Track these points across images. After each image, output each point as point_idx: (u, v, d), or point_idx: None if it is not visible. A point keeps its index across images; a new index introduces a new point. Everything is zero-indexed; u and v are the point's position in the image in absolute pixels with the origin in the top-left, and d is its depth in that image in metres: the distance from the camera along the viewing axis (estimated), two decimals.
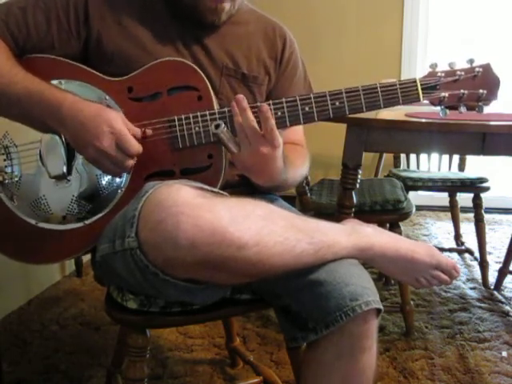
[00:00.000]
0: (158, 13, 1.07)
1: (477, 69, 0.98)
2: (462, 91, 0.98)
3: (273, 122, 0.89)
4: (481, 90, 0.98)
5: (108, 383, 1.40)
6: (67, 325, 1.86)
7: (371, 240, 0.89)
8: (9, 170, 1.00)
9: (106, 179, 0.99)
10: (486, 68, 0.98)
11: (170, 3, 1.07)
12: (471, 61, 0.98)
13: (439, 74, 0.98)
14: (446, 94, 0.98)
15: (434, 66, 0.99)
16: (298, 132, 1.20)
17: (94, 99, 0.98)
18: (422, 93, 0.98)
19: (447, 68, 0.99)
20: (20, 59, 0.99)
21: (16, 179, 1.00)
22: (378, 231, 0.93)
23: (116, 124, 0.92)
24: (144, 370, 0.99)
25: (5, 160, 1.00)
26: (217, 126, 0.92)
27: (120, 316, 0.95)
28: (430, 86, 0.98)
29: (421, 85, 0.98)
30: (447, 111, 1.00)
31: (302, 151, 1.18)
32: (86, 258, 2.16)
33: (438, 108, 1.01)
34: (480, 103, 0.99)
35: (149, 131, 0.97)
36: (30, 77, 0.95)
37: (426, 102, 1.01)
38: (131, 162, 0.94)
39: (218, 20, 1.06)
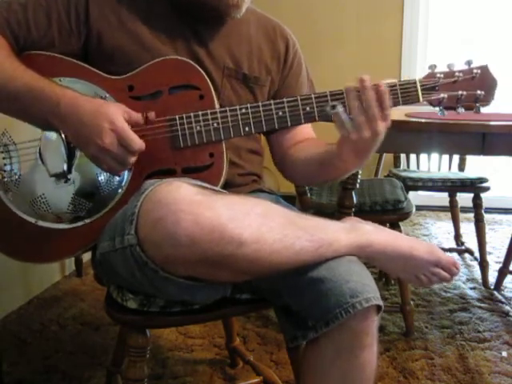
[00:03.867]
0: (160, 11, 1.07)
1: (475, 70, 0.98)
2: (460, 92, 0.99)
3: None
4: (479, 91, 0.98)
5: (108, 383, 1.40)
6: (67, 325, 1.86)
7: (371, 237, 0.89)
8: (8, 168, 1.00)
9: (106, 178, 0.99)
10: (484, 69, 0.99)
11: (176, 2, 1.06)
12: (469, 62, 0.99)
13: (438, 75, 0.98)
14: (445, 95, 0.99)
15: (432, 67, 1.00)
16: (309, 127, 1.20)
17: (94, 97, 0.98)
18: (422, 94, 0.98)
19: (446, 69, 0.99)
20: (20, 56, 0.99)
21: (15, 177, 1.00)
22: (378, 229, 0.93)
23: (117, 120, 0.91)
24: (144, 370, 0.99)
25: (4, 158, 1.00)
26: (333, 107, 0.93)
27: (120, 316, 0.95)
28: (430, 86, 0.99)
29: (420, 86, 0.98)
30: (445, 112, 1.01)
31: None
32: (86, 257, 2.17)
33: (437, 108, 1.01)
34: (478, 104, 1.00)
35: (151, 114, 0.97)
36: (30, 73, 0.95)
37: (425, 102, 1.01)
38: (133, 159, 0.94)
39: (240, 13, 1.06)
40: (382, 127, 0.93)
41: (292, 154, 1.16)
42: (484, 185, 2.28)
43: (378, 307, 0.84)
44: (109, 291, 0.99)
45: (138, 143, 0.92)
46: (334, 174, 1.06)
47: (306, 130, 1.18)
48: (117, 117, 0.91)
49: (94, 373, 1.55)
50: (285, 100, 0.99)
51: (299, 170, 1.15)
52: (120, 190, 0.99)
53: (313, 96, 0.99)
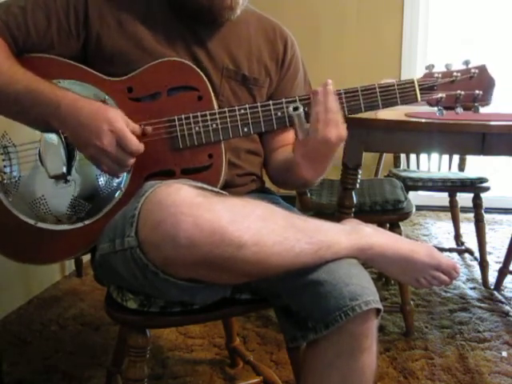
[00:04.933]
0: (159, 13, 1.07)
1: (472, 70, 0.99)
2: (458, 92, 0.99)
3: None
4: (477, 91, 0.99)
5: (108, 383, 1.40)
6: (67, 325, 1.86)
7: (371, 240, 0.89)
8: (8, 170, 1.00)
9: (105, 179, 0.99)
10: (482, 69, 0.99)
11: (174, 3, 1.06)
12: (467, 62, 1.00)
13: (436, 75, 0.99)
14: (444, 95, 0.99)
15: (430, 67, 1.00)
16: None
17: (94, 99, 0.98)
18: (420, 93, 0.98)
19: (444, 69, 1.00)
20: (19, 58, 0.99)
21: (15, 179, 1.00)
22: (378, 231, 0.93)
23: (116, 122, 0.91)
24: (144, 370, 0.99)
25: (4, 160, 1.00)
26: (295, 109, 0.95)
27: (120, 316, 0.95)
28: (428, 86, 0.99)
29: (418, 85, 0.98)
30: (444, 111, 1.01)
31: None
32: (86, 258, 2.16)
33: (435, 108, 1.02)
34: (476, 104, 1.00)
35: (148, 128, 0.97)
36: (30, 75, 0.95)
37: (423, 101, 1.01)
38: (131, 161, 0.94)
39: (234, 15, 1.06)
40: (335, 134, 0.93)
41: (273, 157, 1.17)
42: (484, 185, 2.28)
43: (378, 310, 0.84)
44: (109, 291, 0.99)
45: (135, 144, 0.93)
46: (293, 180, 1.08)
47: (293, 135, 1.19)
48: (116, 119, 0.92)
49: (94, 373, 1.55)
50: (283, 100, 0.99)
51: (273, 173, 1.18)
52: (119, 192, 0.99)
53: (312, 97, 0.99)
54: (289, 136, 1.15)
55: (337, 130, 0.93)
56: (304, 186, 1.12)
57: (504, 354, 1.68)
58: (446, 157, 2.56)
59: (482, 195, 2.31)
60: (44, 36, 1.01)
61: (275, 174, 1.17)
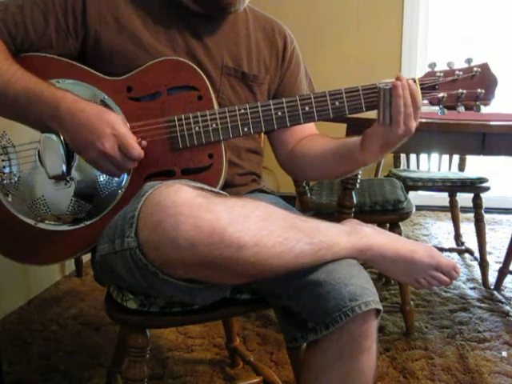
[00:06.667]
0: (158, 10, 1.06)
1: (475, 68, 0.98)
2: (460, 91, 0.98)
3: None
4: (479, 90, 0.98)
5: (108, 383, 1.40)
6: (67, 325, 1.86)
7: (371, 240, 0.89)
8: (7, 170, 1.00)
9: (105, 180, 0.99)
10: (484, 68, 0.99)
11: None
12: (469, 60, 0.99)
13: (438, 73, 0.98)
14: (445, 94, 0.98)
15: (432, 65, 0.99)
16: (312, 125, 1.20)
17: (93, 99, 0.97)
18: (421, 92, 0.98)
19: (446, 68, 0.99)
20: (18, 58, 0.99)
21: (15, 179, 1.00)
22: (378, 231, 0.93)
23: (118, 126, 0.91)
24: (144, 370, 0.99)
25: (3, 160, 1.00)
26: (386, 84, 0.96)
27: (120, 316, 0.95)
28: (429, 85, 0.98)
29: (420, 85, 0.98)
30: (445, 110, 1.01)
31: None
32: (86, 258, 2.17)
33: (437, 107, 1.01)
34: (478, 102, 1.00)
35: (144, 143, 0.96)
36: (28, 75, 0.95)
37: (425, 101, 1.01)
38: (132, 165, 0.94)
39: (241, 6, 1.08)
40: (413, 126, 0.96)
41: (300, 150, 1.16)
42: (484, 185, 2.29)
43: (378, 311, 0.84)
44: (109, 291, 0.99)
45: (137, 150, 0.92)
46: (350, 166, 1.08)
47: (309, 125, 1.18)
48: (118, 123, 0.91)
49: (94, 373, 1.55)
50: (284, 100, 0.99)
51: (313, 163, 1.14)
52: (119, 192, 0.99)
53: (312, 96, 0.99)
54: (307, 126, 1.15)
55: (416, 121, 0.96)
56: (352, 172, 1.14)
57: (504, 353, 1.68)
58: (446, 157, 2.56)
59: (482, 195, 2.31)
60: (42, 35, 1.00)
61: (312, 165, 1.15)
